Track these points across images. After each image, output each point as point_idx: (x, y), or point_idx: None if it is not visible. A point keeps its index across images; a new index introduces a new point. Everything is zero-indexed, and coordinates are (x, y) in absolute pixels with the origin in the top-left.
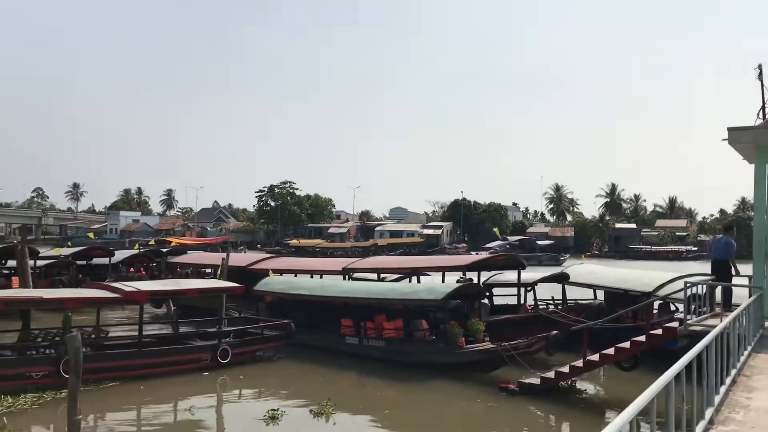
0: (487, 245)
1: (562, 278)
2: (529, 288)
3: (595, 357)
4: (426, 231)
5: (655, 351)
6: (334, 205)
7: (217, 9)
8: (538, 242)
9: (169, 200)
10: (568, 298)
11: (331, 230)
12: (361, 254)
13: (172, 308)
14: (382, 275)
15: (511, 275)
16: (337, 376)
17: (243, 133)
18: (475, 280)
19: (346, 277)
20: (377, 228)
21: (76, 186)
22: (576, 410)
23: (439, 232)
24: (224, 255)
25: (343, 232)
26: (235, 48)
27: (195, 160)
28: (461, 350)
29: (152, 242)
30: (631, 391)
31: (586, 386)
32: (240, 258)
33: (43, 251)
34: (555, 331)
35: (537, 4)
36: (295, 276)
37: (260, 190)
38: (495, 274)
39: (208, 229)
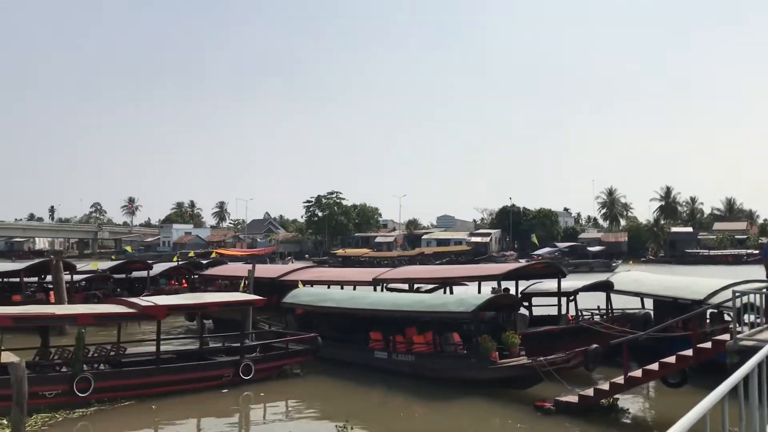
0: (536, 252)
1: (606, 287)
2: (571, 297)
3: (638, 373)
4: (474, 239)
5: (707, 364)
6: (380, 215)
7: (268, 22)
8: (589, 248)
9: (221, 212)
10: (614, 307)
11: (377, 239)
12: (407, 263)
13: (204, 322)
14: (416, 286)
15: (551, 284)
16: (364, 393)
17: (293, 145)
18: (513, 290)
19: (377, 288)
20: (424, 236)
21: (131, 200)
22: (617, 430)
23: (487, 239)
24: (250, 267)
25: (390, 241)
26: (284, 61)
27: (247, 172)
28: (494, 366)
29: (191, 254)
30: (680, 410)
31: (630, 404)
32: (271, 269)
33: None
34: (595, 345)
35: (581, 10)
36: (329, 287)
37: (308, 201)
38: (534, 283)
39: (258, 240)
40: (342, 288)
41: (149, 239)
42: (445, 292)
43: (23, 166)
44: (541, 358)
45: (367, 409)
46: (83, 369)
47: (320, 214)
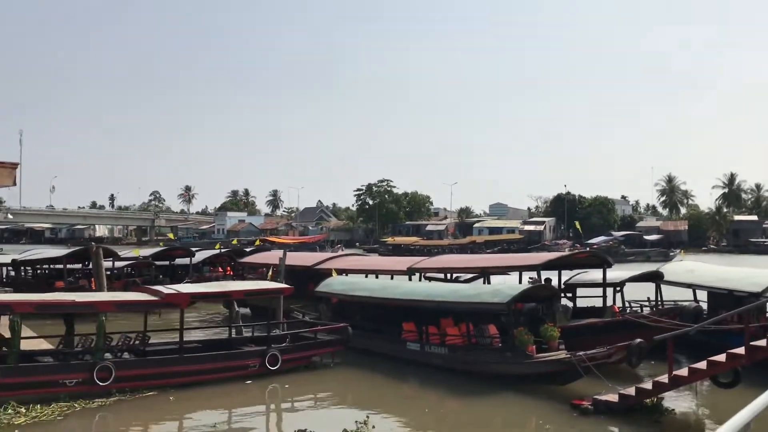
0: (590, 241)
1: (656, 277)
2: (618, 289)
3: (684, 372)
4: (527, 227)
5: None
6: (431, 203)
7: (319, 11)
8: (647, 237)
9: (274, 201)
10: (665, 299)
11: (428, 227)
12: (458, 252)
13: (236, 311)
14: (455, 275)
15: (596, 274)
16: (394, 385)
17: (346, 134)
18: (555, 281)
19: (412, 277)
20: (475, 225)
21: (187, 188)
22: None
23: (540, 228)
24: (281, 254)
25: (441, 229)
26: (335, 50)
27: (302, 161)
28: (530, 360)
29: (234, 241)
30: (731, 412)
31: (677, 404)
32: (306, 257)
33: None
34: (639, 339)
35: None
36: (366, 276)
37: (358, 189)
38: (578, 273)
39: (310, 228)
40: (377, 277)
41: (204, 227)
42: (484, 283)
43: (87, 156)
44: (581, 353)
45: (394, 402)
46: (104, 358)
47: (371, 202)
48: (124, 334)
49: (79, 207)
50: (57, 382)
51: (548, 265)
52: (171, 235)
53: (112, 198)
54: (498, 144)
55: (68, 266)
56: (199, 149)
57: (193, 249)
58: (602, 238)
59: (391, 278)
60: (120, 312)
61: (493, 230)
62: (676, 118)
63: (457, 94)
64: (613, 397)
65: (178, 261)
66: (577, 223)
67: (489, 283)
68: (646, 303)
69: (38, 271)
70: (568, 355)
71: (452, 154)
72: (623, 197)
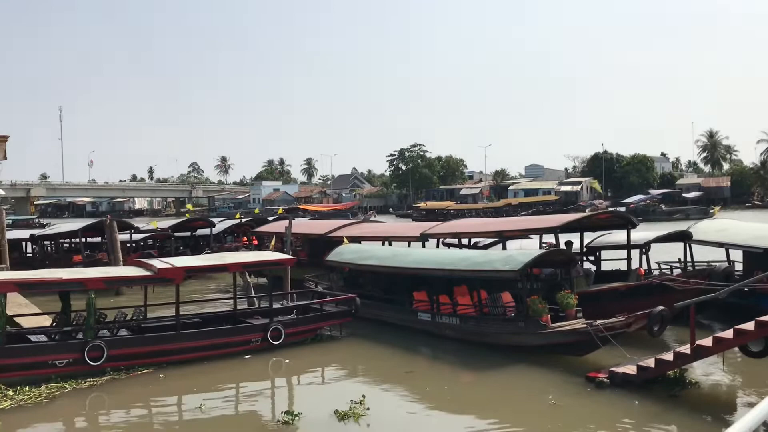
0: (627, 200)
1: (684, 237)
2: (644, 250)
3: (708, 341)
4: (563, 188)
5: None
6: (465, 166)
7: None
8: (686, 195)
9: (309, 169)
10: (698, 260)
11: (463, 191)
12: (493, 215)
13: (247, 282)
14: (474, 241)
15: (621, 236)
16: (400, 359)
17: (382, 99)
18: (577, 244)
19: (425, 243)
20: (510, 187)
21: (224, 159)
22: (682, 410)
23: (577, 188)
24: (286, 223)
25: (476, 192)
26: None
27: (337, 128)
28: (544, 330)
29: (257, 210)
30: (761, 383)
31: (703, 375)
32: (320, 225)
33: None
34: (660, 307)
35: None
36: (383, 244)
37: (391, 154)
38: (601, 235)
39: (344, 195)
40: (390, 244)
41: (240, 197)
42: (504, 246)
43: (128, 131)
44: (598, 322)
45: (399, 377)
46: (96, 336)
47: (404, 167)
48: (121, 310)
49: (120, 180)
50: (46, 362)
51: (567, 228)
52: (190, 206)
53: (150, 171)
54: (532, 104)
55: (89, 240)
56: (237, 120)
57: (215, 219)
58: (639, 196)
59: (408, 245)
60: (111, 288)
61: (528, 192)
62: (718, 70)
63: (492, 55)
64: (631, 369)
65: (200, 232)
66: (595, 182)
67: (505, 248)
68: (677, 264)
69: (58, 246)
70: (584, 325)
71: (487, 116)
72: (663, 154)
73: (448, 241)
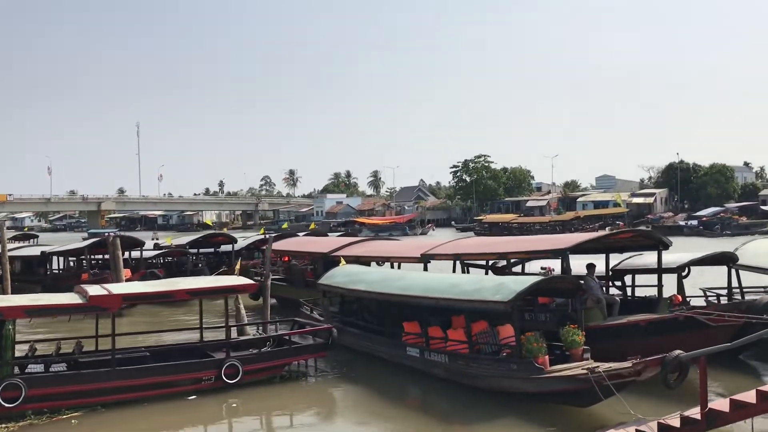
0: (699, 213)
1: (727, 260)
2: (685, 274)
3: (724, 405)
4: (635, 200)
5: None
6: (533, 177)
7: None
8: (764, 207)
9: (375, 181)
10: (750, 287)
11: (529, 203)
12: (561, 229)
13: (240, 306)
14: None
15: (652, 257)
16: (380, 402)
17: (448, 109)
18: (601, 265)
19: (427, 266)
20: (579, 199)
21: (291, 172)
22: None
23: (650, 200)
24: (295, 240)
25: (542, 205)
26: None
27: (407, 139)
28: (539, 375)
29: (285, 225)
30: None
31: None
32: (323, 243)
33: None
34: (678, 351)
35: None
36: (381, 264)
37: (455, 166)
38: (630, 257)
39: (406, 207)
40: (392, 266)
41: (304, 209)
42: (523, 269)
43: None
44: (601, 368)
45: (376, 424)
46: (13, 373)
47: (468, 179)
48: (59, 341)
49: (195, 194)
50: None
51: (579, 249)
52: (208, 221)
53: (221, 184)
54: (604, 112)
55: (99, 257)
56: (307, 134)
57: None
58: (713, 209)
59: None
60: (32, 318)
61: (598, 204)
62: None
63: (562, 62)
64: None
65: (223, 248)
66: (618, 196)
67: (524, 270)
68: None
69: (67, 263)
70: (585, 371)
71: (556, 126)
72: (746, 164)
73: (468, 261)
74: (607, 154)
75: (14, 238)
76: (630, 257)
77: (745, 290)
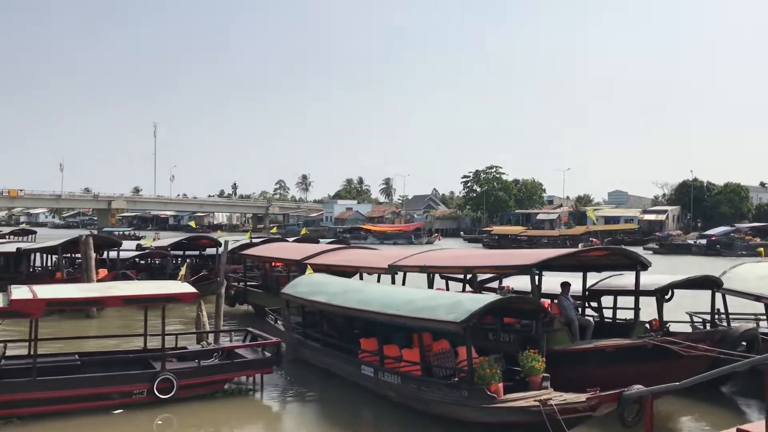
0: (709, 231)
1: (711, 284)
2: (668, 298)
3: None
4: (646, 216)
5: None
6: (544, 190)
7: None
8: None
9: (387, 188)
10: (734, 314)
11: (539, 216)
12: (571, 243)
13: (201, 313)
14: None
15: (632, 278)
16: (327, 425)
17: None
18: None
19: (395, 277)
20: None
21: (304, 177)
22: None
23: (662, 217)
24: (275, 245)
25: (553, 218)
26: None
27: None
28: (489, 405)
29: (273, 230)
30: None
31: None
32: (297, 250)
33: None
34: (637, 386)
35: None
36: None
37: (465, 176)
38: (610, 276)
39: (416, 216)
40: (361, 276)
41: (313, 215)
42: (500, 284)
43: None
44: (553, 401)
45: None
46: None
47: (478, 189)
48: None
49: (209, 195)
50: None
51: (547, 265)
52: (192, 224)
53: (234, 187)
54: (618, 126)
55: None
56: (322, 140)
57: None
58: (723, 228)
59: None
60: None
61: (609, 219)
62: None
63: (576, 69)
64: None
65: (209, 251)
66: (590, 210)
67: (501, 284)
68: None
69: (42, 261)
70: (537, 403)
71: (569, 139)
72: (762, 184)
73: (445, 275)
74: (622, 169)
75: (12, 234)
76: (609, 277)
77: (732, 316)
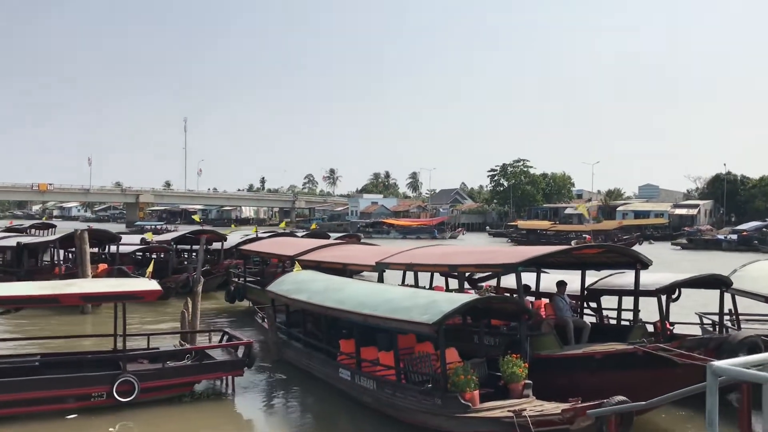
0: (741, 226)
1: (720, 283)
2: (674, 297)
3: None
4: (677, 211)
5: None
6: (573, 184)
7: None
8: None
9: (414, 183)
10: (744, 314)
11: (567, 211)
12: (603, 238)
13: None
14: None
15: (640, 276)
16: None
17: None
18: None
19: (383, 274)
20: (619, 208)
21: (332, 171)
22: None
23: (693, 211)
24: (277, 240)
25: (581, 212)
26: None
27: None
28: (463, 414)
29: (282, 225)
30: None
31: None
32: (292, 245)
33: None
34: (619, 397)
35: None
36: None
37: (492, 170)
38: (610, 275)
39: (441, 210)
40: (351, 274)
41: (339, 209)
42: (499, 281)
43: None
44: (527, 411)
45: None
46: None
47: (505, 183)
48: None
49: (238, 189)
50: None
51: (533, 262)
52: (196, 218)
53: (263, 181)
54: (651, 118)
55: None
56: (352, 134)
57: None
58: (754, 223)
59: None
60: None
61: (638, 214)
62: None
63: (606, 65)
64: None
65: (215, 245)
66: (580, 206)
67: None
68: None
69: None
70: (510, 414)
71: (597, 131)
72: None
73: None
74: (654, 163)
75: (33, 227)
76: (610, 275)
77: (746, 317)
